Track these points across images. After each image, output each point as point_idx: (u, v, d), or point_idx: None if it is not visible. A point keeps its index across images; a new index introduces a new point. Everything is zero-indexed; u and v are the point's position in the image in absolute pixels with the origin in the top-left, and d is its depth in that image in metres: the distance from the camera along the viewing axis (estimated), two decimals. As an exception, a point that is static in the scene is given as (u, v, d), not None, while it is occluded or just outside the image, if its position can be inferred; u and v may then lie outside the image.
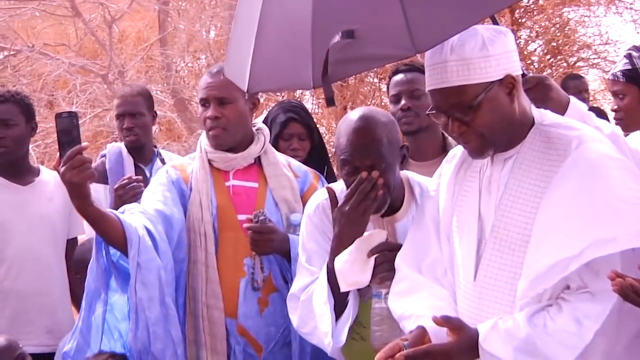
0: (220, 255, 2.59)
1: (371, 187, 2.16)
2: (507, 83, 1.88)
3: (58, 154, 2.28)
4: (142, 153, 3.53)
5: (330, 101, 2.10)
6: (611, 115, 2.95)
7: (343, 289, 2.18)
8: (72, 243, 3.31)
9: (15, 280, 3.11)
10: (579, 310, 1.76)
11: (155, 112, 3.68)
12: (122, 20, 8.60)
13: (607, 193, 1.76)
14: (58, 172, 2.26)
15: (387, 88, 3.12)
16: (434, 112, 1.93)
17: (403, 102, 2.90)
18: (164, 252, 2.50)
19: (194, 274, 2.59)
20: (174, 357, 2.47)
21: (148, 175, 3.49)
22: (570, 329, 1.75)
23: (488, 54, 1.85)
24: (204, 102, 2.64)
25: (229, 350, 2.57)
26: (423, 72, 2.92)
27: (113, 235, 2.40)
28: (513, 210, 1.88)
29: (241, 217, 2.59)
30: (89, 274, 2.49)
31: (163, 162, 3.60)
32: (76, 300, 3.28)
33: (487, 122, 1.87)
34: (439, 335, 1.82)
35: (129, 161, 3.49)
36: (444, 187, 2.09)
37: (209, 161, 2.67)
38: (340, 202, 2.26)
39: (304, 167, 2.76)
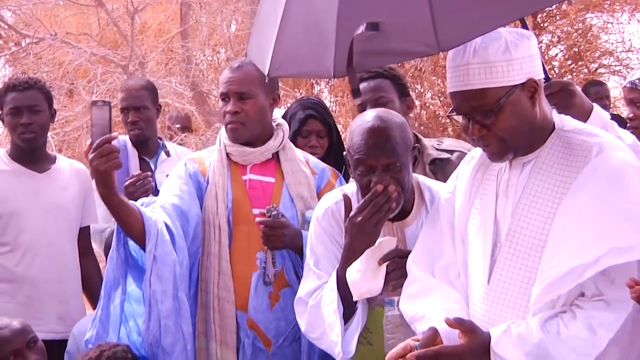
0: (233, 248, 2.61)
1: (385, 200, 2.15)
2: (529, 87, 1.87)
3: (90, 140, 2.34)
4: (147, 146, 3.55)
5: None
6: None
7: (356, 298, 2.17)
8: (85, 231, 3.33)
9: (29, 266, 3.13)
10: (593, 318, 1.75)
11: (159, 105, 3.71)
12: (145, 11, 8.63)
13: (627, 201, 1.75)
14: (87, 157, 2.31)
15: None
16: (454, 114, 1.92)
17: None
18: (181, 248, 2.53)
19: (206, 266, 2.61)
20: (184, 352, 2.49)
21: (153, 168, 3.53)
22: (583, 336, 1.74)
23: (511, 57, 1.84)
24: (224, 97, 2.65)
25: (238, 344, 2.59)
26: (387, 77, 2.92)
27: (133, 227, 2.44)
28: (530, 214, 1.87)
29: (256, 211, 2.61)
30: (108, 263, 2.54)
31: (168, 154, 3.63)
32: (88, 288, 3.31)
33: (508, 126, 1.86)
34: (451, 337, 1.81)
35: (133, 154, 3.52)
36: (461, 189, 2.08)
37: (228, 155, 2.68)
38: (353, 208, 2.25)
39: (322, 165, 2.76)
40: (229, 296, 2.57)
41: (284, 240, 2.54)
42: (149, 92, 3.61)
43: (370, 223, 2.17)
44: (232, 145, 2.67)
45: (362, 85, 2.91)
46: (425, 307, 1.98)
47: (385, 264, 2.16)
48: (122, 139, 3.54)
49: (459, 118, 1.93)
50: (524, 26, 2.15)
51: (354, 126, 2.24)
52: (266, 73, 2.21)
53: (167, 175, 3.46)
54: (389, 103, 2.86)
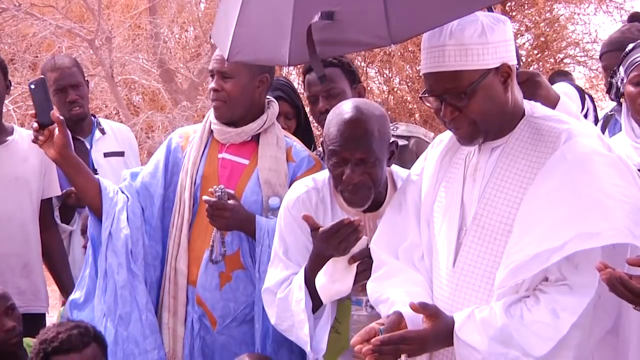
0: (195, 223, 2.63)
1: (351, 231, 2.11)
2: (503, 72, 1.87)
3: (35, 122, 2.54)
4: (80, 125, 3.48)
5: (322, 79, 2.09)
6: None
7: (325, 301, 2.17)
8: (46, 203, 3.27)
9: (-10, 241, 3.08)
10: (556, 302, 1.77)
11: (87, 81, 3.66)
12: (112, -15, 8.51)
13: (594, 188, 1.77)
14: (37, 141, 2.55)
15: (303, 85, 3.01)
16: (426, 95, 1.92)
17: (321, 103, 2.83)
18: (137, 227, 2.64)
19: (170, 238, 2.65)
20: (139, 322, 2.57)
21: (88, 147, 3.48)
22: (546, 320, 1.76)
23: (487, 41, 1.84)
24: (211, 74, 2.66)
25: (187, 318, 2.62)
26: (336, 65, 2.87)
27: (89, 197, 2.65)
28: (497, 199, 1.88)
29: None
30: (89, 225, 2.71)
31: (103, 132, 3.58)
32: (50, 261, 3.27)
33: (480, 109, 1.87)
34: (415, 321, 1.83)
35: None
36: (428, 172, 2.09)
37: (212, 132, 2.70)
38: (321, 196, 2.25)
39: (306, 154, 2.70)
40: (183, 269, 2.62)
41: (227, 223, 2.52)
42: (79, 68, 3.57)
43: (339, 248, 2.14)
44: (216, 123, 2.68)
45: (312, 76, 2.87)
46: (389, 290, 1.98)
47: (356, 264, 2.15)
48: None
49: (431, 100, 1.93)
50: (490, 11, 2.15)
51: (332, 115, 2.21)
52: (226, 57, 2.19)
53: (104, 154, 3.45)
54: (341, 94, 2.82)
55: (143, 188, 2.70)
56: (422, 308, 1.79)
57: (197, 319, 2.62)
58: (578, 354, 1.79)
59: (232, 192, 2.54)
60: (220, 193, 2.49)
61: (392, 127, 2.93)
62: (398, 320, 1.84)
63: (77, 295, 2.70)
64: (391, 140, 2.23)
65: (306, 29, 1.95)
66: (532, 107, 1.97)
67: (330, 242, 2.13)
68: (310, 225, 2.19)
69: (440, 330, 1.80)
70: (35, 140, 2.56)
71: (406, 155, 2.69)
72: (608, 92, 2.83)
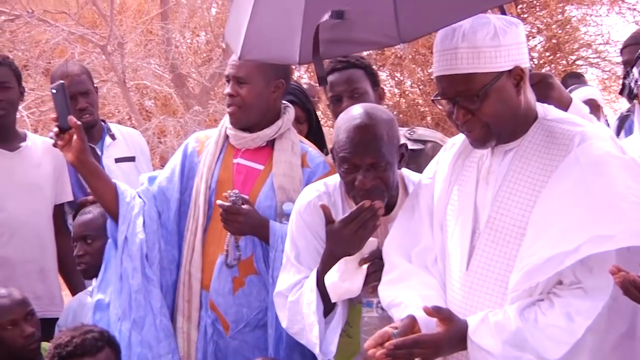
0: (210, 227, 2.63)
1: (370, 216, 2.11)
2: (516, 75, 1.87)
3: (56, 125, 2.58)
4: (91, 132, 3.47)
5: (322, 80, 2.09)
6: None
7: (334, 299, 2.16)
8: (59, 209, 3.29)
9: (5, 246, 3.10)
10: (570, 306, 1.77)
11: (96, 87, 3.66)
12: (124, -9, 8.55)
13: (608, 191, 1.76)
14: (58, 145, 2.57)
15: (325, 86, 3.01)
16: (439, 98, 1.92)
17: (345, 103, 2.81)
18: (153, 231, 2.65)
19: (185, 242, 2.66)
20: (153, 326, 2.57)
21: (99, 153, 3.49)
22: (561, 324, 1.75)
23: (499, 43, 1.84)
24: (227, 79, 2.67)
25: (201, 322, 2.63)
26: (359, 67, 2.89)
27: (106, 201, 2.67)
28: (510, 202, 1.88)
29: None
30: (108, 228, 2.71)
31: (113, 137, 3.59)
32: (64, 266, 3.28)
33: (493, 112, 1.86)
34: (429, 325, 1.82)
35: None
36: (441, 175, 2.08)
37: (228, 137, 2.70)
38: (336, 204, 2.24)
39: (321, 159, 2.69)
40: (197, 274, 2.62)
41: (239, 227, 2.53)
42: (88, 75, 3.58)
43: (355, 237, 2.14)
44: (231, 128, 2.68)
45: (335, 76, 2.88)
46: (402, 293, 1.98)
47: (366, 265, 2.14)
48: None
49: (444, 103, 1.92)
50: (503, 13, 2.15)
51: (341, 122, 2.20)
52: (238, 56, 2.20)
53: (115, 160, 3.46)
54: (364, 94, 2.84)
55: (160, 192, 2.71)
56: (435, 312, 1.79)
57: (211, 323, 2.62)
58: (593, 357, 1.78)
59: (246, 197, 2.55)
60: (234, 197, 2.50)
61: (409, 131, 2.94)
62: (411, 324, 1.84)
63: (101, 296, 2.71)
64: (400, 143, 2.23)
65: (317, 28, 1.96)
66: (545, 110, 1.97)
67: (349, 229, 2.12)
68: (326, 216, 2.19)
69: (454, 334, 1.79)
70: (55, 144, 2.59)
71: (422, 159, 2.69)
72: (621, 92, 2.82)
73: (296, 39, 2.07)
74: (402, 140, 2.83)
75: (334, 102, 2.91)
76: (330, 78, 2.91)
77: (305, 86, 5.68)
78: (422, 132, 3.01)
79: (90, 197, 3.09)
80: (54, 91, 2.58)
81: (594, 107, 4.21)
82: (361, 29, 2.00)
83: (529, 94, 1.94)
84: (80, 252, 2.83)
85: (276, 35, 2.16)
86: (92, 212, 2.89)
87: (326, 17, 1.95)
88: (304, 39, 2.06)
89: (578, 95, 4.31)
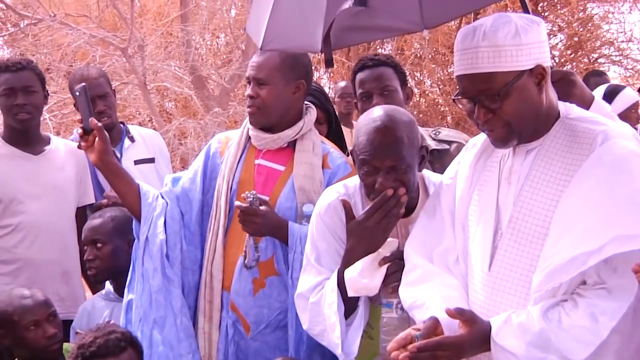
0: (231, 228, 2.64)
1: (395, 204, 2.11)
2: (537, 73, 1.85)
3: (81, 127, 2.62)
4: (111, 134, 3.46)
5: (329, 62, 2.09)
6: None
7: (351, 294, 2.15)
8: (82, 211, 3.32)
9: (30, 248, 3.14)
10: (595, 307, 1.75)
11: (114, 90, 3.68)
12: (144, -6, 8.60)
13: (631, 189, 1.74)
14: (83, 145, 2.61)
15: (353, 83, 3.03)
16: (460, 97, 1.91)
17: (375, 100, 2.82)
18: (175, 232, 2.66)
19: (207, 242, 2.67)
20: (174, 326, 2.59)
21: (119, 155, 3.49)
22: (585, 324, 1.74)
23: (520, 42, 1.83)
24: (248, 80, 2.67)
25: (222, 323, 2.64)
26: (389, 65, 2.90)
27: (129, 202, 2.69)
28: (532, 202, 1.86)
29: (259, 195, 2.60)
30: (134, 229, 2.73)
31: (132, 139, 3.60)
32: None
33: (514, 111, 1.85)
34: (452, 327, 1.82)
35: None
36: (462, 176, 2.07)
37: (250, 138, 2.71)
38: (357, 204, 2.23)
39: (342, 160, 2.67)
40: (218, 275, 2.63)
41: (258, 229, 2.53)
42: (106, 78, 3.59)
43: (379, 228, 2.14)
44: (253, 129, 2.69)
45: (366, 73, 2.90)
46: (424, 294, 1.97)
47: (386, 265, 2.14)
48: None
49: (465, 102, 1.91)
50: (525, 10, 2.14)
51: (361, 124, 2.20)
52: (259, 46, 2.20)
53: (134, 162, 3.48)
54: (394, 92, 2.85)
55: (183, 193, 2.72)
56: (458, 314, 1.78)
57: (231, 324, 2.63)
58: (618, 359, 1.75)
59: (265, 198, 2.55)
60: (251, 199, 2.50)
61: (434, 132, 2.94)
62: (434, 325, 1.83)
63: (132, 296, 2.72)
64: (421, 145, 2.22)
65: (339, 16, 1.96)
66: (567, 109, 1.95)
67: (372, 221, 2.12)
68: (347, 211, 2.19)
69: (477, 336, 1.79)
70: (79, 146, 2.63)
71: (447, 159, 2.68)
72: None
73: (318, 28, 2.07)
74: (427, 141, 2.85)
75: (363, 99, 2.91)
76: (360, 75, 2.93)
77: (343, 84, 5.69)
78: (447, 132, 3.01)
79: (105, 201, 3.11)
80: (77, 94, 2.61)
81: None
82: (385, 16, 2.01)
83: (551, 93, 1.92)
84: (90, 256, 2.84)
85: (298, 24, 2.16)
86: (102, 216, 2.90)
87: (349, 4, 1.94)
88: (326, 27, 2.06)
89: (599, 92, 4.27)
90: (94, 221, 2.89)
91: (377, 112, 2.19)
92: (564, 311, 1.77)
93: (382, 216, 2.13)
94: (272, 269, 2.60)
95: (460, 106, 1.95)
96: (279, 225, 2.54)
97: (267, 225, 2.52)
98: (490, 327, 1.80)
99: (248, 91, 2.65)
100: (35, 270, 3.13)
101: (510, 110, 1.85)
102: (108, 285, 2.93)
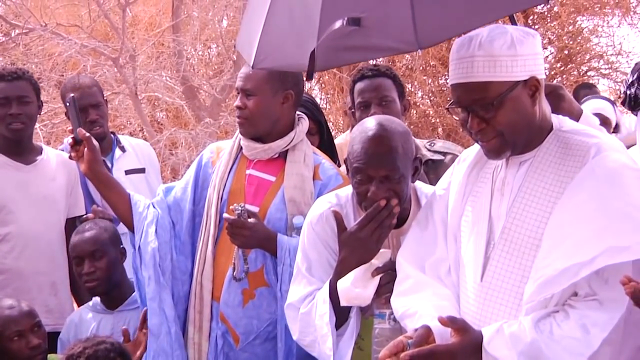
0: (221, 239, 2.63)
1: (387, 214, 2.11)
2: (531, 85, 1.87)
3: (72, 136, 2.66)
4: (102, 144, 3.44)
5: (309, 76, 2.10)
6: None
7: (343, 303, 2.14)
8: (72, 222, 3.28)
9: (18, 258, 3.11)
10: (586, 318, 1.76)
11: (106, 100, 3.67)
12: (136, 4, 8.57)
13: (623, 202, 1.75)
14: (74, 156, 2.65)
15: (351, 92, 3.06)
16: (454, 106, 1.92)
17: (373, 110, 2.84)
18: (165, 242, 2.66)
19: (197, 253, 2.67)
20: (168, 335, 2.58)
21: (110, 165, 3.49)
22: (576, 336, 1.74)
23: (516, 53, 1.84)
24: (237, 91, 2.68)
25: (212, 334, 2.63)
26: (389, 76, 2.94)
27: (120, 212, 2.71)
28: (525, 213, 1.87)
29: (249, 207, 2.59)
30: (129, 237, 2.74)
31: (123, 149, 3.59)
32: (75, 280, 3.28)
33: (508, 121, 1.86)
34: (444, 336, 1.81)
35: None
36: (455, 187, 2.08)
37: (242, 148, 2.71)
38: (348, 214, 2.23)
39: (334, 172, 2.66)
40: (208, 285, 2.62)
41: (246, 241, 2.52)
42: (98, 88, 3.60)
43: (372, 239, 2.13)
44: (244, 139, 2.68)
45: (365, 83, 2.93)
46: (417, 304, 1.97)
47: (379, 276, 2.14)
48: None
49: (458, 111, 1.92)
50: (513, 22, 2.15)
51: (356, 133, 2.20)
52: (251, 64, 2.21)
53: (125, 172, 3.47)
54: (392, 103, 2.88)
55: (174, 203, 2.72)
56: (450, 322, 1.78)
57: (221, 335, 2.61)
58: None
59: (253, 210, 2.54)
60: (239, 211, 2.49)
61: (429, 143, 2.96)
62: (426, 334, 1.83)
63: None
64: (415, 156, 2.23)
65: (332, 36, 1.97)
66: (560, 122, 1.96)
67: (365, 232, 2.12)
68: (338, 222, 2.19)
69: (469, 345, 1.78)
70: (70, 156, 2.65)
71: (442, 170, 2.70)
72: (623, 103, 2.80)
73: (310, 46, 2.07)
74: (423, 151, 2.86)
75: (361, 109, 2.93)
76: (359, 85, 2.96)
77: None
78: (442, 144, 3.03)
79: (91, 215, 3.09)
80: (68, 104, 2.63)
81: (602, 120, 4.19)
82: (378, 36, 2.02)
83: (545, 106, 1.93)
84: (91, 268, 2.78)
85: (290, 43, 2.16)
86: (93, 228, 2.85)
87: (341, 23, 1.95)
88: (319, 46, 2.06)
89: (588, 107, 4.29)
90: (87, 233, 2.84)
91: (372, 122, 2.20)
92: (555, 322, 1.78)
93: (375, 227, 2.13)
94: (261, 280, 2.59)
95: (455, 116, 1.96)
96: (267, 237, 2.53)
97: (256, 238, 2.52)
98: (482, 337, 1.80)
99: (236, 102, 2.65)
100: (23, 281, 3.11)
101: (504, 120, 1.86)
102: (95, 297, 2.90)
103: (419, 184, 2.36)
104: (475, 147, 2.04)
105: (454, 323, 1.79)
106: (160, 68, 8.71)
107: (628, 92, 2.71)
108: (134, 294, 2.83)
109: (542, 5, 9.43)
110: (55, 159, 3.29)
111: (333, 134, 3.30)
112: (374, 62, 2.91)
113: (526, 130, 1.89)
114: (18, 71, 3.25)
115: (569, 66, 9.80)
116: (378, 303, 2.15)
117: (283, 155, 2.66)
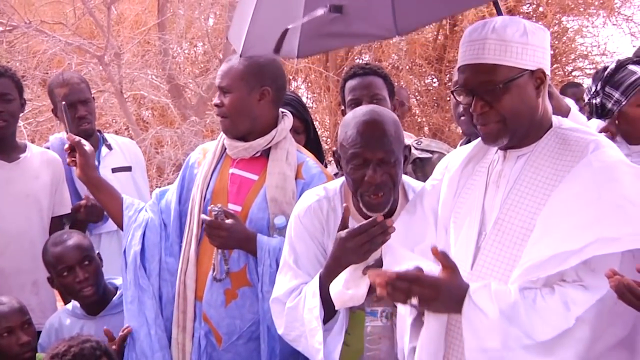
0: (204, 239, 2.60)
1: (381, 232, 2.09)
2: (538, 77, 1.89)
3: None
4: (89, 142, 3.48)
5: (276, 50, 2.14)
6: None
7: (338, 307, 2.14)
8: (56, 221, 3.27)
9: (-1, 257, 3.08)
10: (569, 296, 1.77)
11: (93, 97, 3.67)
12: (121, 2, 8.53)
13: (617, 194, 1.77)
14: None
15: (342, 90, 3.08)
16: (460, 88, 1.93)
17: None
18: (153, 245, 2.67)
19: (181, 253, 2.66)
20: (148, 337, 2.59)
21: (96, 163, 3.45)
22: (557, 310, 1.76)
23: (527, 41, 1.87)
24: (218, 89, 2.66)
25: (195, 334, 2.62)
26: (380, 75, 3.00)
27: (113, 214, 2.76)
28: (519, 204, 1.88)
29: (232, 206, 2.59)
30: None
31: (110, 147, 3.58)
32: None
33: (511, 107, 1.88)
34: None
35: None
36: (447, 180, 2.08)
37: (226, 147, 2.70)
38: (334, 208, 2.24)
39: (317, 170, 2.63)
40: (191, 285, 2.62)
41: (224, 242, 2.51)
42: (86, 84, 3.59)
43: (360, 250, 2.10)
44: (226, 138, 2.67)
45: (357, 81, 2.96)
46: (408, 262, 1.95)
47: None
48: (59, 138, 3.50)
49: (462, 95, 1.92)
50: (499, 13, 2.18)
51: (348, 119, 2.20)
52: (239, 53, 2.23)
53: (112, 170, 3.46)
54: (383, 101, 2.90)
55: (166, 206, 2.74)
56: (443, 256, 1.80)
57: (204, 335, 2.60)
58: (582, 350, 1.75)
59: (235, 210, 2.53)
60: (217, 212, 2.48)
61: (416, 142, 2.98)
62: (418, 271, 1.83)
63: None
64: (405, 145, 2.24)
65: (315, 23, 2.01)
66: (560, 120, 1.99)
67: (356, 241, 2.10)
68: (344, 219, 2.17)
69: (454, 287, 1.80)
70: (69, 163, 2.72)
71: (429, 168, 2.71)
72: (591, 113, 2.82)
73: (295, 34, 2.11)
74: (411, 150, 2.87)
75: (351, 106, 2.93)
76: (350, 83, 3.00)
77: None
78: (429, 142, 3.06)
79: (84, 202, 3.09)
80: (61, 110, 2.72)
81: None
82: (359, 22, 2.05)
83: (547, 102, 1.96)
84: (85, 275, 2.75)
85: (276, 31, 2.19)
86: (71, 236, 2.83)
87: (323, 11, 1.97)
88: (303, 33, 2.10)
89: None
90: (69, 242, 2.80)
91: (364, 109, 2.23)
92: (540, 294, 1.79)
93: (365, 240, 2.10)
94: (244, 279, 2.57)
95: (459, 99, 1.96)
96: (246, 238, 2.51)
97: (234, 238, 2.50)
98: (469, 286, 1.81)
99: (215, 100, 2.65)
100: (4, 280, 3.07)
101: (508, 106, 1.87)
102: (74, 301, 2.87)
103: (406, 179, 2.36)
104: (462, 149, 2.05)
105: (446, 259, 1.81)
106: (145, 66, 8.68)
107: (594, 101, 2.74)
108: (114, 298, 2.83)
109: (527, 5, 9.50)
110: (40, 157, 3.27)
111: (319, 133, 3.29)
112: (365, 61, 2.94)
113: (527, 120, 1.91)
114: (0, 69, 3.22)
115: (554, 66, 9.85)
116: (370, 301, 2.14)
117: (266, 153, 2.64)
